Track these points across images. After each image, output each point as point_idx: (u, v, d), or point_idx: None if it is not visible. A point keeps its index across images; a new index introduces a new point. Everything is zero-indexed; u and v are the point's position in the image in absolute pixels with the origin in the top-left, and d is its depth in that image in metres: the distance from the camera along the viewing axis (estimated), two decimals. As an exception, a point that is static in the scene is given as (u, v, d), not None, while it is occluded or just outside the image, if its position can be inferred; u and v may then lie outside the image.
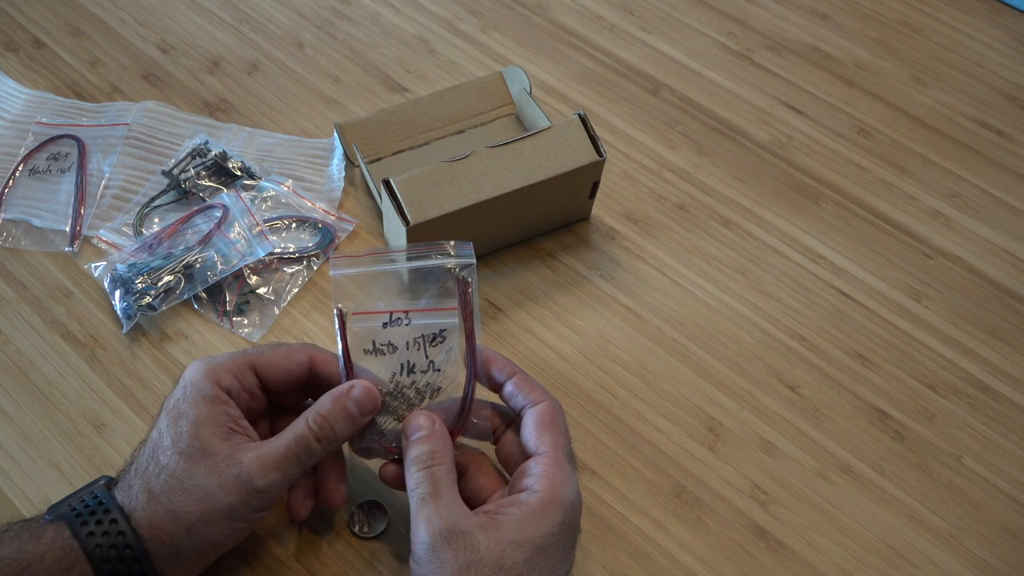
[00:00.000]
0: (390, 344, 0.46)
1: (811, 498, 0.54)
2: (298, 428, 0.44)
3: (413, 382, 0.46)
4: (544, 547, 0.41)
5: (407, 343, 0.46)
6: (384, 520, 0.51)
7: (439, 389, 0.47)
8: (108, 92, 0.70)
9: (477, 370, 0.46)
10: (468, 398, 0.46)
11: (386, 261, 0.47)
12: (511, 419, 0.48)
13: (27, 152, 0.65)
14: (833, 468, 0.55)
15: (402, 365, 0.46)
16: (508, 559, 0.40)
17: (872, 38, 0.80)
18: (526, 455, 0.45)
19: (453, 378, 0.47)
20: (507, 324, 0.60)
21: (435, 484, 0.42)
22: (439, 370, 0.46)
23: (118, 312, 0.58)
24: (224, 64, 0.73)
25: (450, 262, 0.46)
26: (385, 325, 0.46)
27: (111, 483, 0.44)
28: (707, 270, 0.64)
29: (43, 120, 0.67)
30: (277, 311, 0.59)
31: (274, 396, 0.48)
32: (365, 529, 0.50)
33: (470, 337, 0.46)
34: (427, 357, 0.46)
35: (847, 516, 0.53)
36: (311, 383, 0.48)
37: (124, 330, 0.57)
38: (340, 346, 0.46)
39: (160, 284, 0.58)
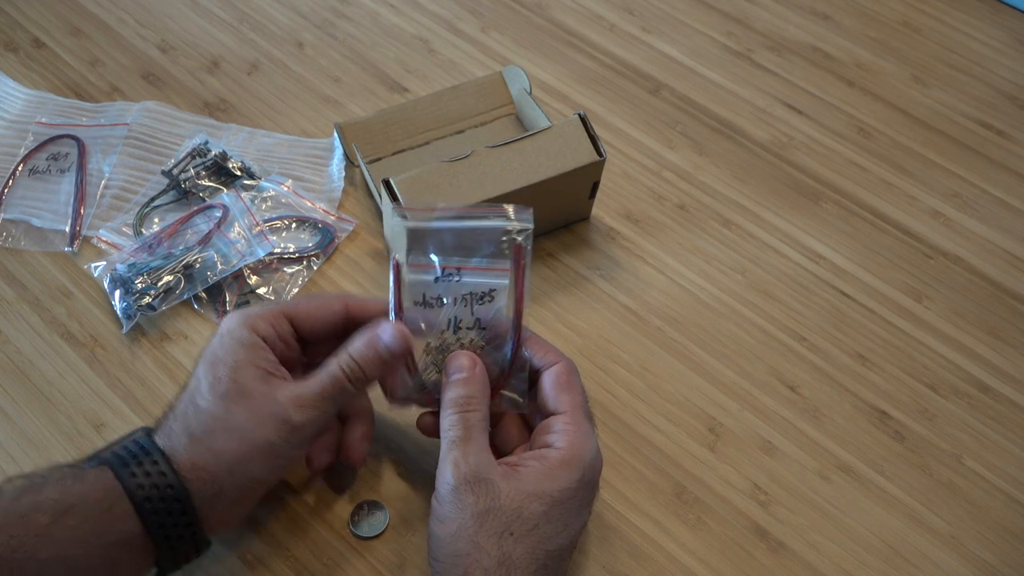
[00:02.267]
0: (439, 298, 0.47)
1: (811, 498, 0.54)
2: (331, 368, 0.45)
3: (459, 339, 0.47)
4: (561, 501, 0.42)
5: (456, 299, 0.47)
6: (384, 520, 0.51)
7: (482, 347, 0.47)
8: (108, 92, 0.70)
9: (521, 332, 0.47)
10: (513, 355, 0.47)
11: (449, 218, 0.47)
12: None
13: (27, 152, 0.65)
14: (833, 468, 0.55)
15: (449, 320, 0.47)
16: (526, 509, 0.41)
17: (872, 38, 0.80)
18: (545, 414, 0.47)
19: (496, 337, 0.47)
20: (507, 324, 0.60)
21: (468, 429, 0.44)
22: (484, 328, 0.47)
23: (118, 312, 0.58)
24: (224, 64, 0.73)
25: (509, 224, 0.47)
26: (437, 280, 0.46)
27: (150, 432, 0.44)
28: (707, 270, 0.64)
29: (43, 120, 0.67)
30: (277, 311, 0.59)
31: (310, 346, 0.48)
32: (365, 529, 0.50)
33: (519, 300, 0.47)
34: (473, 315, 0.47)
35: (847, 516, 0.53)
36: (348, 331, 0.48)
37: (124, 330, 0.57)
38: (392, 293, 0.46)
39: (160, 284, 0.58)
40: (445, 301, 0.46)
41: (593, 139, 0.59)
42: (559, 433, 0.45)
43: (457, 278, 0.46)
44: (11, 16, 0.75)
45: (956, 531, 0.53)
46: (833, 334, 0.61)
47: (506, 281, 0.47)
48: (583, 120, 0.59)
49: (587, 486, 0.44)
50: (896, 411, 0.58)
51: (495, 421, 0.48)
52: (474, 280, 0.47)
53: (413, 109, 0.67)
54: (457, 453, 0.43)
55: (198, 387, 0.44)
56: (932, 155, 0.72)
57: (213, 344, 0.45)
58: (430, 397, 0.48)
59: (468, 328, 0.47)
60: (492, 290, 0.47)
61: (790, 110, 0.74)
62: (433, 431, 0.47)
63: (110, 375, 0.56)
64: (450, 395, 0.45)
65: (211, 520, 0.43)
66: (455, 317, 0.47)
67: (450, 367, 0.46)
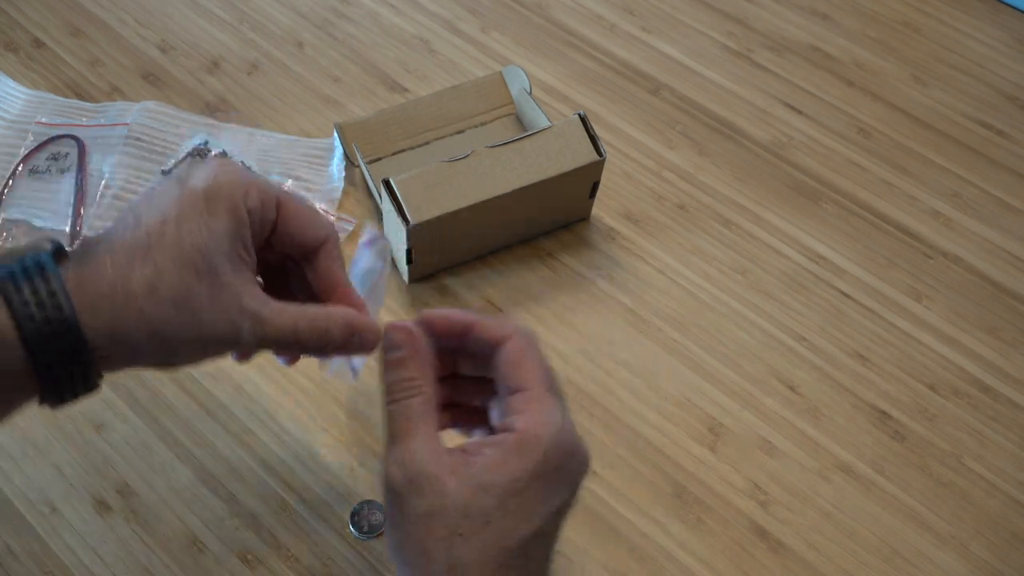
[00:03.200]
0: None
1: (811, 498, 0.54)
2: (298, 321, 0.39)
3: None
4: (518, 491, 0.37)
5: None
6: (384, 520, 0.51)
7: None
8: (108, 92, 0.70)
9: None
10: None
11: None
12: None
13: (27, 152, 0.65)
14: (833, 468, 0.55)
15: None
16: (474, 505, 0.36)
17: (872, 38, 0.80)
18: (506, 395, 0.40)
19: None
20: (507, 324, 0.60)
21: (407, 420, 0.38)
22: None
23: (118, 312, 0.57)
24: (224, 64, 0.73)
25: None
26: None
27: (59, 251, 0.37)
28: (707, 270, 0.64)
29: (43, 120, 0.67)
30: (277, 311, 0.59)
31: (273, 243, 0.42)
32: (365, 529, 0.50)
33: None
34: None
35: (847, 516, 0.53)
36: (307, 264, 0.43)
37: (124, 330, 0.57)
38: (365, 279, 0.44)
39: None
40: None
41: (593, 139, 0.59)
42: (517, 413, 0.39)
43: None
44: (11, 16, 0.75)
45: (956, 531, 0.53)
46: (833, 334, 0.61)
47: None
48: (583, 120, 0.59)
49: (552, 467, 0.38)
50: (896, 411, 0.58)
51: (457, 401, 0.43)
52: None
53: (413, 109, 0.67)
54: (398, 451, 0.38)
55: (161, 234, 0.36)
56: (932, 155, 0.72)
57: (195, 185, 0.38)
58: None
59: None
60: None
61: (790, 110, 0.74)
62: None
63: (110, 375, 0.56)
64: (387, 380, 0.39)
65: (113, 368, 0.37)
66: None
67: (385, 345, 0.40)
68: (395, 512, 0.37)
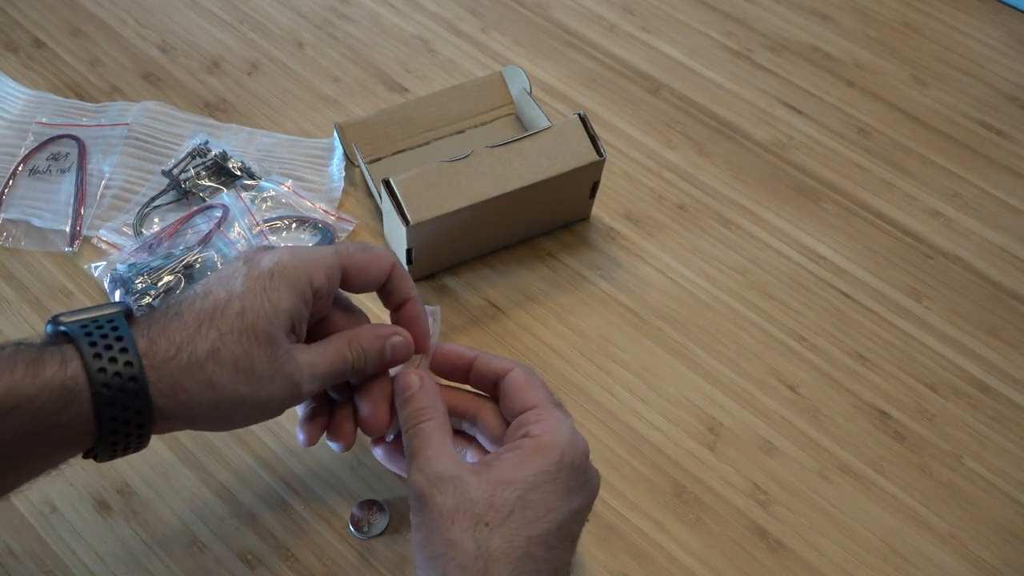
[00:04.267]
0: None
1: (811, 498, 0.54)
2: (342, 348, 0.43)
3: None
4: (538, 484, 0.40)
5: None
6: (384, 520, 0.51)
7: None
8: (108, 92, 0.70)
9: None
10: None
11: None
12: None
13: (27, 152, 0.65)
14: (833, 468, 0.55)
15: None
16: (499, 497, 0.39)
17: (872, 38, 0.80)
18: (514, 416, 0.45)
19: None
20: (507, 324, 0.60)
21: (424, 437, 0.42)
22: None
23: (118, 312, 0.58)
24: (224, 64, 0.73)
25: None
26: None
27: (129, 313, 0.39)
28: (707, 270, 0.64)
29: (43, 120, 0.67)
30: (277, 311, 0.59)
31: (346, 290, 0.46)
32: (365, 529, 0.50)
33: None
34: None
35: (847, 516, 0.53)
36: (381, 290, 0.47)
37: (124, 330, 0.57)
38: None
39: (160, 284, 0.58)
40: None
41: (593, 139, 0.59)
42: (532, 424, 0.43)
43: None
44: (11, 16, 0.75)
45: (956, 531, 0.53)
46: (833, 334, 0.61)
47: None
48: (583, 120, 0.59)
49: (569, 468, 0.41)
50: (896, 411, 0.58)
51: (471, 417, 0.46)
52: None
53: (413, 109, 0.67)
54: (418, 460, 0.41)
55: (227, 305, 0.39)
56: (932, 155, 0.72)
57: (263, 268, 0.41)
58: None
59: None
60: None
61: (790, 110, 0.74)
62: (388, 459, 0.48)
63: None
64: (403, 414, 0.44)
65: (163, 430, 0.40)
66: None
67: (398, 388, 0.45)
68: (422, 513, 0.40)
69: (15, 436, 0.35)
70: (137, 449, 0.39)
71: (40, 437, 0.36)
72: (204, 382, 0.38)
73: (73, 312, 0.38)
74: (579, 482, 0.42)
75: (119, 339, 0.37)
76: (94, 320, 0.38)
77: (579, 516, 0.42)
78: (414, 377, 0.45)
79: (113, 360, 0.36)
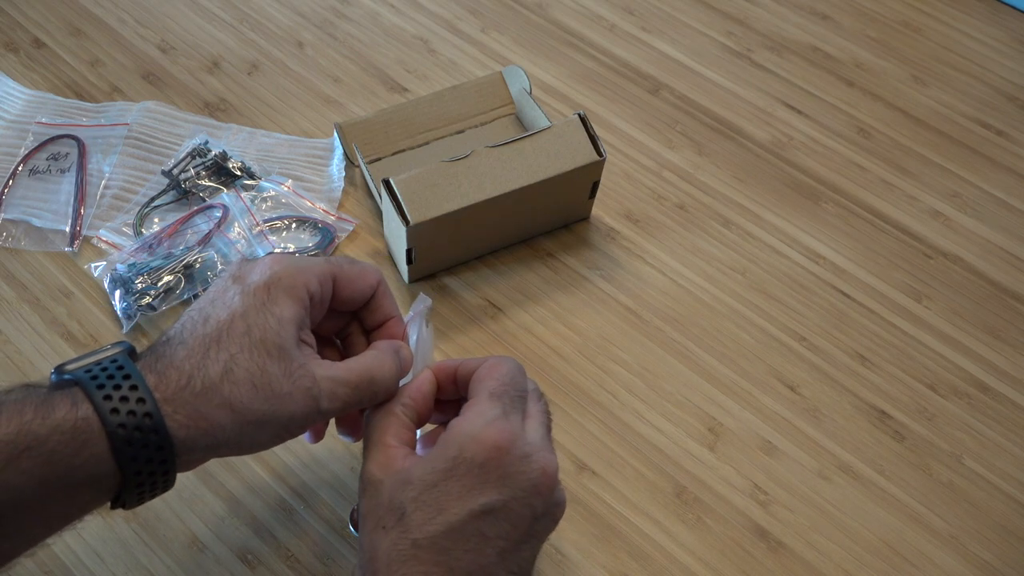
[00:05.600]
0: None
1: (811, 498, 0.54)
2: (372, 367, 0.42)
3: None
4: (433, 483, 0.38)
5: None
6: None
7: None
8: (108, 92, 0.70)
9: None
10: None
11: None
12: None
13: (27, 152, 0.65)
14: (833, 468, 0.55)
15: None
16: (396, 498, 0.38)
17: (872, 38, 0.80)
18: None
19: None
20: (507, 324, 0.60)
21: (372, 430, 0.42)
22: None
23: (118, 312, 0.58)
24: (224, 64, 0.73)
25: None
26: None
27: (132, 352, 0.38)
28: (707, 270, 0.64)
29: (43, 120, 0.67)
30: (277, 311, 0.59)
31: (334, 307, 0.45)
32: (365, 529, 0.50)
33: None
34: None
35: (847, 516, 0.53)
36: (368, 308, 0.46)
37: (124, 330, 0.57)
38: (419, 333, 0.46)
39: (160, 284, 0.58)
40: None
41: (593, 139, 0.59)
42: (456, 417, 0.41)
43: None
44: (11, 16, 0.75)
45: (956, 531, 0.53)
46: (833, 334, 0.61)
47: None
48: (583, 120, 0.59)
49: (467, 463, 0.39)
50: (896, 411, 0.58)
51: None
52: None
53: (413, 109, 0.67)
54: (364, 460, 0.41)
55: (230, 325, 0.38)
56: (932, 155, 0.72)
57: (257, 282, 0.40)
58: None
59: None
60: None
61: (790, 110, 0.74)
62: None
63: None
64: (367, 417, 0.43)
65: (188, 466, 0.39)
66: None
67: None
68: (361, 519, 0.40)
69: (30, 479, 0.34)
70: (165, 489, 0.38)
71: (56, 481, 0.35)
72: (223, 405, 0.37)
73: (75, 359, 0.37)
74: (490, 478, 0.39)
75: (126, 377, 0.36)
76: (98, 363, 0.37)
77: (492, 515, 0.39)
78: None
79: (124, 399, 0.36)
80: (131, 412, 0.35)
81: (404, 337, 0.46)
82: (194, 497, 0.51)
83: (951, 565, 0.52)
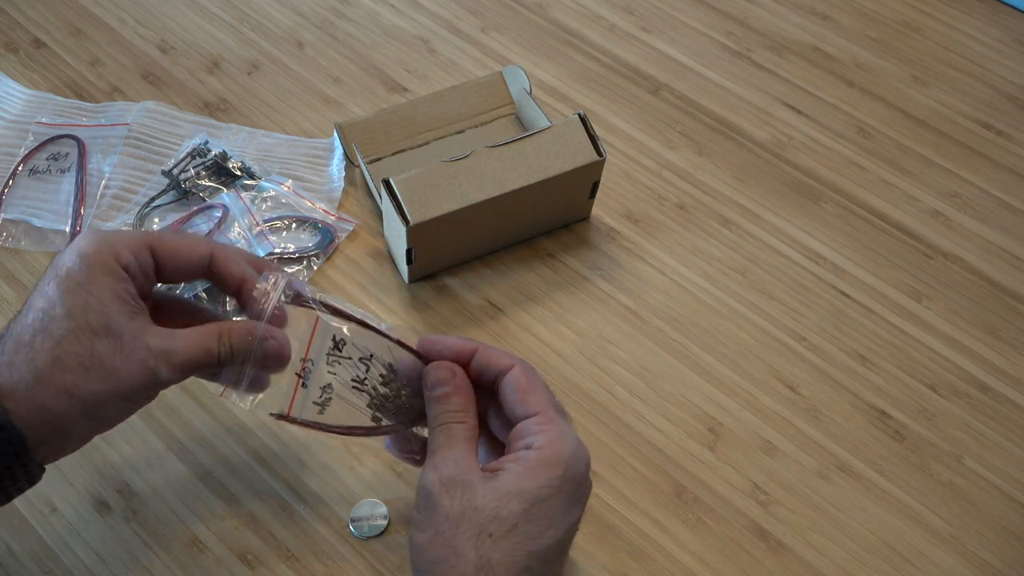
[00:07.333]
0: (342, 343, 0.45)
1: (811, 498, 0.54)
2: (209, 339, 0.42)
3: (389, 390, 0.46)
4: (543, 498, 0.40)
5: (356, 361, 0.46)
6: (384, 520, 0.51)
7: (406, 391, 0.46)
8: (108, 92, 0.71)
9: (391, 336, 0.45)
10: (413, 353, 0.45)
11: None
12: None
13: (27, 152, 0.65)
14: (833, 468, 0.55)
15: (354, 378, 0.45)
16: (504, 508, 0.39)
17: (872, 38, 0.80)
18: (515, 420, 0.44)
19: (413, 379, 0.46)
20: (507, 324, 0.60)
21: (449, 438, 0.42)
22: (396, 372, 0.46)
23: (118, 312, 0.57)
24: (224, 64, 0.73)
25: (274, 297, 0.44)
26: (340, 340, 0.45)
27: None
28: (707, 270, 0.64)
29: (43, 120, 0.67)
30: (277, 311, 0.59)
31: (164, 280, 0.45)
32: (365, 529, 0.50)
33: (364, 324, 0.45)
34: (383, 367, 0.46)
35: (847, 516, 0.53)
36: (209, 278, 0.45)
37: (124, 330, 0.57)
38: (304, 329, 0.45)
39: (160, 284, 0.58)
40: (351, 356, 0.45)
41: (593, 139, 0.59)
42: (535, 434, 0.42)
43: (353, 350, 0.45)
44: (11, 16, 0.75)
45: (956, 531, 0.53)
46: (833, 334, 0.61)
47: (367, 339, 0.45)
48: (583, 120, 0.59)
49: (572, 481, 0.41)
50: (896, 411, 0.58)
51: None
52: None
53: (413, 109, 0.67)
54: (436, 459, 0.41)
55: (51, 311, 0.38)
56: (932, 155, 0.72)
57: (65, 263, 0.40)
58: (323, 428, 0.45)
59: (386, 381, 0.46)
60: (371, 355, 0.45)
61: (790, 110, 0.74)
62: (401, 454, 0.47)
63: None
64: (434, 409, 0.43)
65: (50, 456, 0.40)
66: (366, 372, 0.45)
67: (429, 381, 0.44)
68: (426, 513, 0.40)
69: None
70: (31, 483, 0.39)
71: None
72: (60, 392, 0.38)
73: None
74: (579, 495, 0.42)
75: None
76: None
77: (575, 528, 0.42)
78: (446, 371, 0.44)
79: None
80: None
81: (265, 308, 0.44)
82: (194, 497, 0.51)
83: (951, 565, 0.52)
